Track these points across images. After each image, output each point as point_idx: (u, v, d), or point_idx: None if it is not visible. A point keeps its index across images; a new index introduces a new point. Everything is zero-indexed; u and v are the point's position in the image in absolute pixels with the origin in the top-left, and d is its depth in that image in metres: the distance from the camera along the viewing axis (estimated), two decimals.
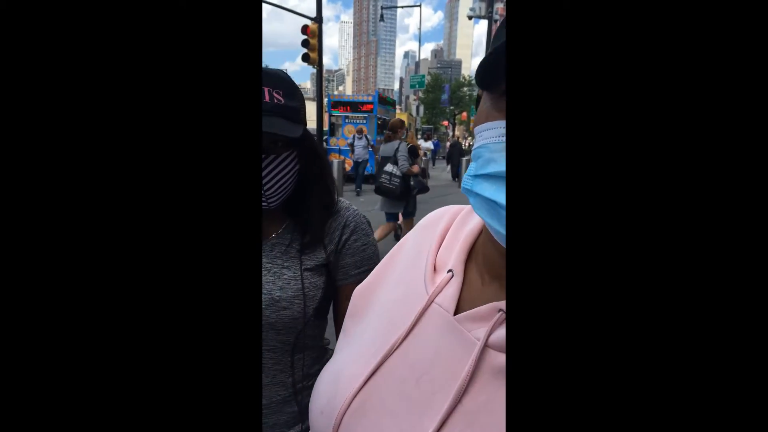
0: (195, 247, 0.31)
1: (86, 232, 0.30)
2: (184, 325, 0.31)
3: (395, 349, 0.40)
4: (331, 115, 12.96)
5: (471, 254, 0.43)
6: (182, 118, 0.31)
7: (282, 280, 0.82)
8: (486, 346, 0.36)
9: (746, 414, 0.23)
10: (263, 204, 0.80)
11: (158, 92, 0.31)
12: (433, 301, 0.40)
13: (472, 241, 0.43)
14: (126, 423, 0.29)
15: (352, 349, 0.45)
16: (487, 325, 0.36)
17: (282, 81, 0.81)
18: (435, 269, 0.43)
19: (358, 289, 0.51)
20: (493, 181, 0.33)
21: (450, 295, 0.40)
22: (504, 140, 0.33)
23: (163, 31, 0.31)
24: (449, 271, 0.41)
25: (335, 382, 0.42)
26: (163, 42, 0.31)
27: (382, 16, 31.96)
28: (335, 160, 7.75)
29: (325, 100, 12.96)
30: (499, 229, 0.33)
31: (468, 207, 0.46)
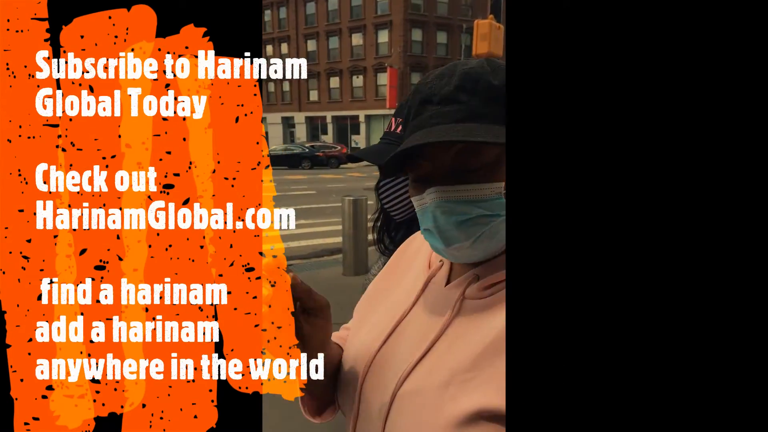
0: None
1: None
2: None
3: (404, 318, 0.60)
4: None
5: None
6: None
7: None
8: (464, 297, 0.55)
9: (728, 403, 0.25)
10: None
11: None
12: (430, 281, 0.62)
13: None
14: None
15: (370, 326, 0.66)
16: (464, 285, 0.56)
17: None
18: (429, 266, 0.66)
19: (366, 294, 0.74)
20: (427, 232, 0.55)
21: (442, 275, 0.61)
22: (423, 207, 0.55)
23: None
24: (440, 261, 0.64)
25: (362, 344, 0.62)
26: None
27: None
28: None
29: None
30: (437, 245, 0.55)
31: None
